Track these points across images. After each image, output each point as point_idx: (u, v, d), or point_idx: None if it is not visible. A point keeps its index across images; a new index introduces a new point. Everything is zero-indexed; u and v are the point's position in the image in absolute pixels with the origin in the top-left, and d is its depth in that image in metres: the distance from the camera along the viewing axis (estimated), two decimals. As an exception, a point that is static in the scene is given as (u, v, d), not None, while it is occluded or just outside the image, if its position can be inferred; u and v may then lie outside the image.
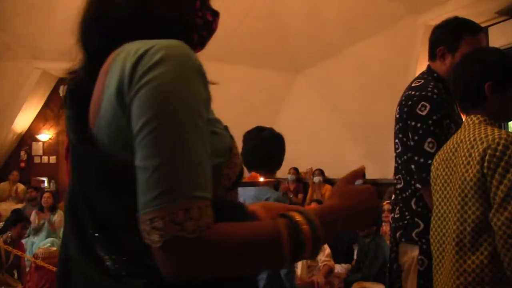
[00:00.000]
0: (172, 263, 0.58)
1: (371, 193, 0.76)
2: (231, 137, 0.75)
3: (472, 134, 1.29)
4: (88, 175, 0.68)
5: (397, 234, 1.73)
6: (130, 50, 0.65)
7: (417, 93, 1.67)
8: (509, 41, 4.70)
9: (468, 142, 1.29)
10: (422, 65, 5.53)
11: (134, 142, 0.61)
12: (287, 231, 0.63)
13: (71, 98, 0.77)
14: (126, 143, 0.63)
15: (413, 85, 1.76)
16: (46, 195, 5.77)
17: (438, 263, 1.38)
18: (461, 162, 1.29)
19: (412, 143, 1.65)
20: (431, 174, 1.48)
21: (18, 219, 4.17)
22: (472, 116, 1.37)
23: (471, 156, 1.25)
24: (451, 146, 1.38)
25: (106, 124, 0.65)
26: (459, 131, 1.40)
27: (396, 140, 1.78)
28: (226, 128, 0.76)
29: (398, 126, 1.76)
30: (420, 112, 1.62)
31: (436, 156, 1.47)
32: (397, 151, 1.78)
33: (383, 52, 5.79)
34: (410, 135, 1.67)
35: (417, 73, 6.23)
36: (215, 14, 0.83)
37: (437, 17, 5.18)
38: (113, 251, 0.65)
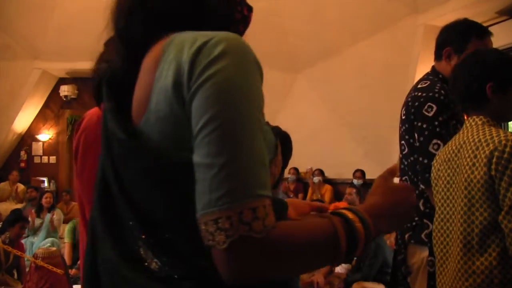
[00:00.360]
0: (237, 265, 0.55)
1: (410, 190, 0.76)
2: (274, 133, 0.74)
3: (476, 135, 1.29)
4: (136, 173, 0.63)
5: (406, 236, 1.72)
6: (184, 41, 0.61)
7: (424, 94, 1.67)
8: (509, 41, 4.69)
9: (472, 143, 1.29)
10: (422, 65, 5.53)
11: (195, 139, 0.57)
12: (344, 230, 0.62)
13: (109, 90, 0.73)
14: (182, 139, 0.60)
15: (419, 86, 1.76)
16: (47, 195, 5.78)
17: (442, 264, 1.38)
18: (465, 163, 1.29)
19: (417, 144, 1.65)
20: (432, 175, 1.48)
21: (16, 219, 4.16)
22: (474, 117, 1.37)
23: (476, 157, 1.25)
24: (453, 147, 1.38)
25: (158, 119, 0.62)
26: (461, 132, 1.40)
27: (402, 142, 1.77)
28: (268, 124, 0.74)
29: (404, 128, 1.75)
30: (426, 113, 1.62)
31: (437, 157, 1.47)
32: (403, 152, 1.78)
33: (383, 52, 5.79)
34: (416, 135, 1.67)
35: (417, 73, 6.24)
36: (250, 9, 0.80)
37: (437, 17, 5.18)
38: (162, 253, 0.61)
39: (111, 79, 0.74)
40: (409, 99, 1.75)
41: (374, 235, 0.66)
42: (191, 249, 0.59)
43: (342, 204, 1.25)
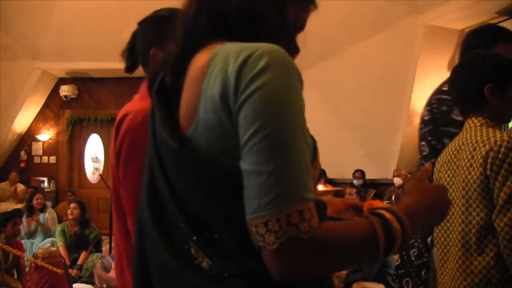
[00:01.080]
0: (286, 263, 0.60)
1: (444, 190, 0.80)
2: (312, 137, 0.77)
3: (474, 136, 1.30)
4: (188, 180, 0.68)
5: (428, 240, 1.70)
6: (229, 53, 0.65)
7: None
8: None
9: (470, 145, 1.30)
10: (422, 65, 5.53)
11: (243, 148, 0.62)
12: (382, 229, 0.66)
13: (159, 99, 0.76)
14: (229, 147, 0.64)
15: (444, 88, 1.75)
16: (38, 196, 5.69)
17: (443, 264, 1.38)
18: (463, 164, 1.30)
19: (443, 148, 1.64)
20: (434, 176, 1.48)
21: (6, 218, 4.13)
22: (473, 118, 1.38)
23: (473, 158, 1.26)
24: (453, 149, 1.39)
25: (207, 128, 0.66)
26: (460, 133, 1.41)
27: (423, 142, 1.76)
28: (307, 129, 0.77)
29: (427, 129, 1.74)
30: (456, 118, 1.62)
31: (439, 159, 1.48)
32: (424, 153, 1.77)
33: (383, 52, 5.79)
34: (444, 140, 1.66)
35: (417, 73, 6.22)
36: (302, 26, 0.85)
37: (437, 17, 5.18)
38: (212, 253, 0.66)
39: (161, 87, 0.77)
40: (433, 101, 1.74)
41: (410, 234, 0.69)
42: (239, 249, 0.65)
43: (376, 202, 1.26)
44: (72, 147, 8.31)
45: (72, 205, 5.00)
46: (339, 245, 0.63)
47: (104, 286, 3.81)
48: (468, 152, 1.29)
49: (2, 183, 7.30)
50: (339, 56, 6.28)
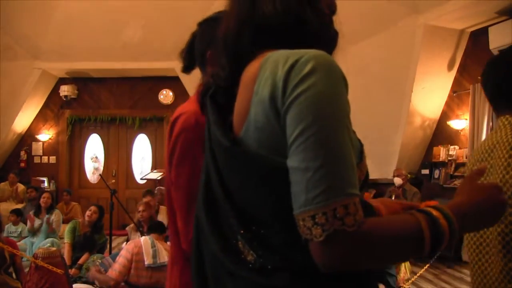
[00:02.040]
0: (333, 255, 0.63)
1: (497, 189, 0.79)
2: (359, 140, 0.81)
3: (510, 135, 1.28)
4: (239, 176, 0.73)
5: None
6: (278, 59, 0.70)
7: None
8: (509, 41, 4.69)
9: (506, 143, 1.27)
10: (422, 65, 5.54)
11: (290, 146, 0.66)
12: (428, 226, 0.68)
13: (213, 104, 0.82)
14: (276, 146, 0.68)
15: None
16: (45, 195, 5.73)
17: (476, 263, 1.36)
18: (500, 163, 1.28)
19: None
20: (466, 173, 1.47)
21: None
22: (507, 116, 1.35)
23: (511, 157, 1.24)
24: (487, 147, 1.36)
25: (257, 129, 0.71)
26: (493, 132, 1.39)
27: None
28: (354, 132, 0.80)
29: None
30: None
31: (470, 157, 1.46)
32: None
33: (383, 52, 5.79)
34: None
35: (417, 73, 6.23)
36: (337, 32, 0.89)
37: (437, 17, 5.18)
38: (258, 247, 0.70)
39: (215, 93, 0.83)
40: None
41: (458, 233, 0.70)
42: (284, 242, 0.68)
43: (432, 203, 1.23)
44: (72, 147, 8.32)
45: (93, 208, 4.97)
46: (383, 239, 0.66)
47: (104, 286, 3.81)
48: (504, 151, 1.26)
49: (2, 183, 7.31)
50: (339, 56, 6.27)
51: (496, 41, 4.87)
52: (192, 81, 7.25)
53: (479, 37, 5.38)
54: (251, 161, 0.71)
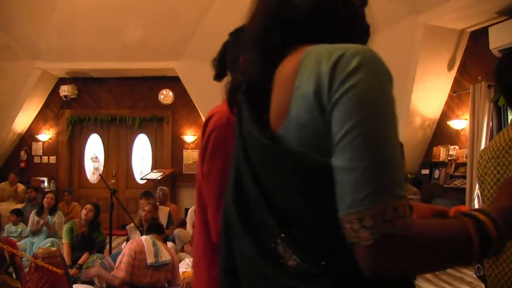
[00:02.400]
0: (381, 260, 0.60)
1: None
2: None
3: None
4: (278, 176, 0.69)
5: None
6: (320, 53, 0.67)
7: None
8: (509, 41, 4.69)
9: None
10: (422, 65, 5.54)
11: (337, 144, 0.62)
12: (476, 230, 0.65)
13: (247, 100, 0.78)
14: (319, 144, 0.65)
15: None
16: (49, 195, 5.71)
17: (494, 262, 1.35)
18: None
19: None
20: (478, 172, 1.45)
21: None
22: None
23: None
24: (503, 143, 1.35)
25: (298, 125, 0.67)
26: (507, 128, 1.38)
27: None
28: None
29: None
30: None
31: (482, 154, 1.45)
32: None
33: (383, 52, 5.73)
34: None
35: (417, 73, 6.22)
36: (368, 26, 0.87)
37: (437, 17, 5.18)
38: (301, 251, 0.66)
39: (248, 90, 0.79)
40: None
41: (507, 237, 0.68)
42: (327, 246, 0.65)
43: (465, 207, 1.21)
44: (72, 147, 8.31)
45: (88, 206, 4.98)
46: (431, 243, 0.63)
47: (104, 285, 3.80)
48: None
49: (2, 183, 7.30)
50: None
51: (496, 41, 4.87)
52: (192, 81, 7.25)
53: (479, 37, 5.37)
54: (292, 159, 0.67)
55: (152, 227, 3.89)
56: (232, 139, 1.10)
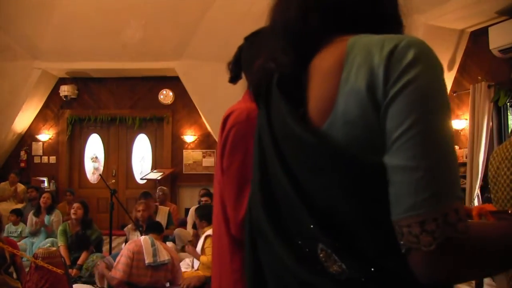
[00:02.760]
0: (442, 266, 0.57)
1: None
2: None
3: None
4: (327, 176, 0.64)
5: None
6: (370, 44, 0.62)
7: None
8: (509, 41, 4.69)
9: None
10: (422, 65, 5.53)
11: (394, 142, 0.58)
12: None
13: (282, 92, 0.72)
14: (372, 142, 0.61)
15: None
16: (45, 195, 5.72)
17: None
18: None
19: None
20: (490, 173, 1.45)
21: None
22: None
23: None
24: None
25: (347, 122, 0.62)
26: None
27: None
28: None
29: None
30: None
31: (494, 155, 1.45)
32: None
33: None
34: None
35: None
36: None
37: (437, 17, 5.18)
38: (347, 256, 0.62)
39: (284, 81, 0.73)
40: None
41: None
42: (378, 251, 0.61)
43: (488, 206, 1.20)
44: (72, 147, 8.31)
45: (76, 205, 5.00)
46: (492, 246, 0.61)
47: (105, 285, 3.81)
48: None
49: (2, 183, 7.30)
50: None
51: (496, 41, 4.87)
52: (192, 81, 7.25)
53: (479, 37, 5.37)
54: (342, 159, 0.62)
55: (151, 226, 3.90)
56: (251, 135, 1.08)
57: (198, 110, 7.62)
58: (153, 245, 3.51)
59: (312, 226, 0.64)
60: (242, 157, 1.17)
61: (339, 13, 0.70)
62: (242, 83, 1.36)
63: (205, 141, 7.94)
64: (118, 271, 3.39)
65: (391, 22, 0.72)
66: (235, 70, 1.38)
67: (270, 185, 0.71)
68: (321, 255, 0.63)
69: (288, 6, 0.73)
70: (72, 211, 4.95)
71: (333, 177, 0.63)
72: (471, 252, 0.58)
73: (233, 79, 1.39)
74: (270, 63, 0.75)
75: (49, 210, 5.60)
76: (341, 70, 0.63)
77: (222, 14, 5.95)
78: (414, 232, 0.56)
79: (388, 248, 0.59)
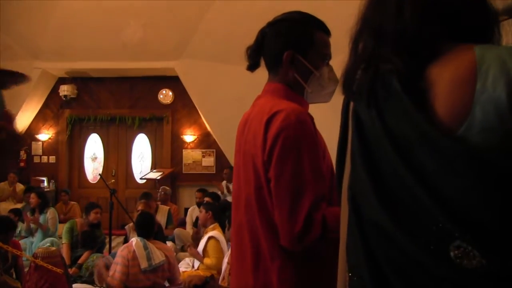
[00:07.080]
0: None
1: None
2: None
3: None
4: (466, 179, 0.67)
5: None
6: (501, 56, 0.67)
7: None
8: (509, 41, 4.69)
9: None
10: (421, 65, 5.53)
11: None
12: None
13: (404, 90, 0.75)
14: (509, 148, 0.65)
15: None
16: (32, 195, 5.65)
17: None
18: None
19: None
20: None
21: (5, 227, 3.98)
22: None
23: None
24: None
25: (484, 130, 0.66)
26: None
27: None
28: None
29: None
30: None
31: None
32: None
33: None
34: None
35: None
36: None
37: (437, 17, 5.18)
38: (490, 252, 0.65)
39: (404, 82, 0.75)
40: None
41: None
42: None
43: None
44: (71, 147, 8.31)
45: (97, 210, 4.94)
46: None
47: (104, 285, 3.81)
48: None
49: (2, 183, 7.30)
50: (339, 56, 6.26)
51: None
52: (192, 81, 7.25)
53: (478, 37, 5.38)
54: (483, 165, 0.67)
55: (141, 227, 3.73)
56: (304, 138, 1.13)
57: (198, 109, 7.62)
58: (146, 248, 3.49)
59: (441, 224, 0.68)
60: (295, 165, 1.12)
61: (455, 22, 0.75)
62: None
63: (204, 141, 7.94)
64: (115, 279, 3.40)
65: (488, 34, 0.79)
66: (255, 58, 1.30)
67: (384, 185, 0.74)
68: (455, 252, 0.67)
69: (400, 7, 0.77)
70: (93, 215, 4.87)
71: (471, 180, 0.67)
72: None
73: (252, 67, 1.32)
74: (386, 65, 0.77)
75: (42, 209, 5.57)
76: (474, 79, 0.67)
77: (222, 14, 5.94)
78: None
79: None
